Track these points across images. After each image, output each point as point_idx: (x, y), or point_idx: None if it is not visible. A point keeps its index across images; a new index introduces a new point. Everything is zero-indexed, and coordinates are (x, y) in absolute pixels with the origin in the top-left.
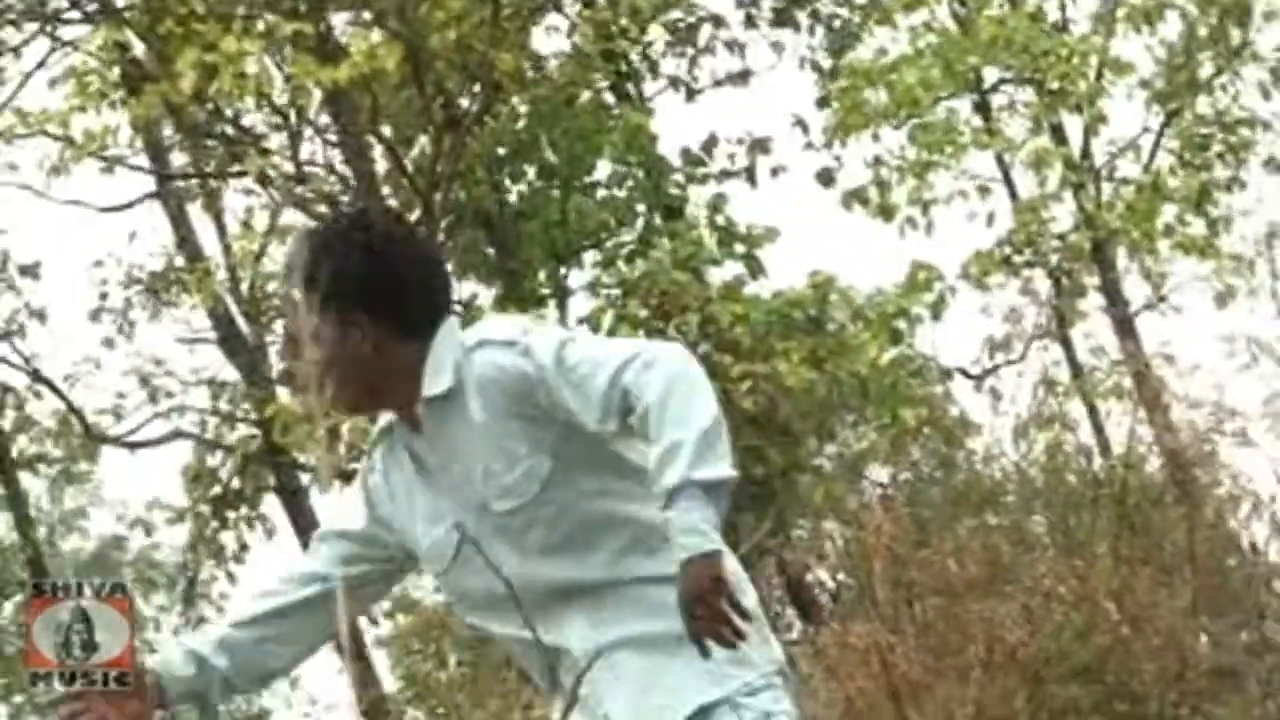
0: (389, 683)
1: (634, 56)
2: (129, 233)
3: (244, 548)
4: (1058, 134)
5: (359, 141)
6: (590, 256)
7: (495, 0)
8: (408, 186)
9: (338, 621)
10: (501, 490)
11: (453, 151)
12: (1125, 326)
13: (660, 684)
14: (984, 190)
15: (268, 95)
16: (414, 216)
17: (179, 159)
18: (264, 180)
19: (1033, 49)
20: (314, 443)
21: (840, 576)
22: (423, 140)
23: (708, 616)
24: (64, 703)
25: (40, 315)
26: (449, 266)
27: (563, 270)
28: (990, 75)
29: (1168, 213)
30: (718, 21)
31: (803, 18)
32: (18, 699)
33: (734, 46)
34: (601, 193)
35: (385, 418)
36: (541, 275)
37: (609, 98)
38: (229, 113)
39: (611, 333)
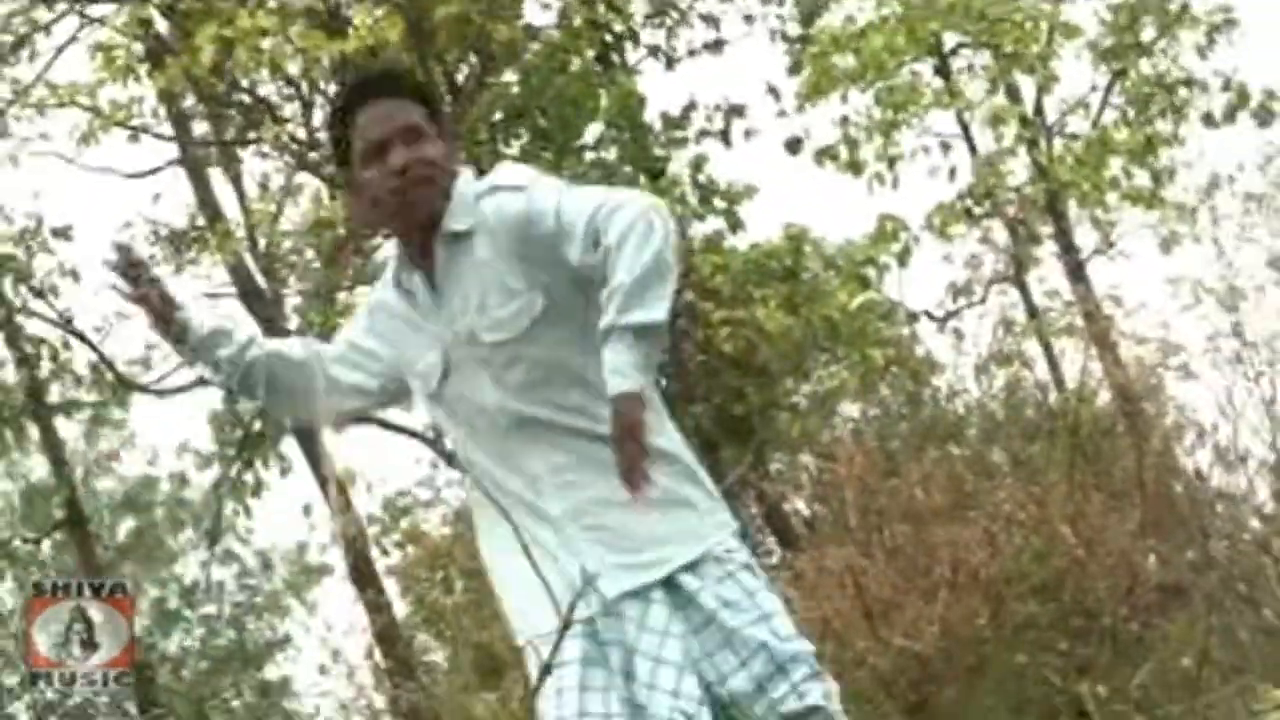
0: (400, 608)
1: (617, 27)
2: (153, 196)
3: (260, 485)
4: (1012, 94)
5: None
6: None
7: None
8: None
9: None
10: (494, 323)
11: (453, 117)
12: (1077, 271)
13: (647, 542)
14: (945, 147)
15: (281, 67)
16: None
17: (200, 127)
18: (279, 146)
19: (989, 15)
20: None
21: (815, 505)
22: None
23: (624, 455)
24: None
25: (73, 274)
26: None
27: None
28: (950, 40)
29: (1115, 165)
30: None
31: None
32: None
33: (709, 19)
34: (590, 155)
35: (390, 251)
36: None
37: (596, 66)
38: (245, 84)
39: None
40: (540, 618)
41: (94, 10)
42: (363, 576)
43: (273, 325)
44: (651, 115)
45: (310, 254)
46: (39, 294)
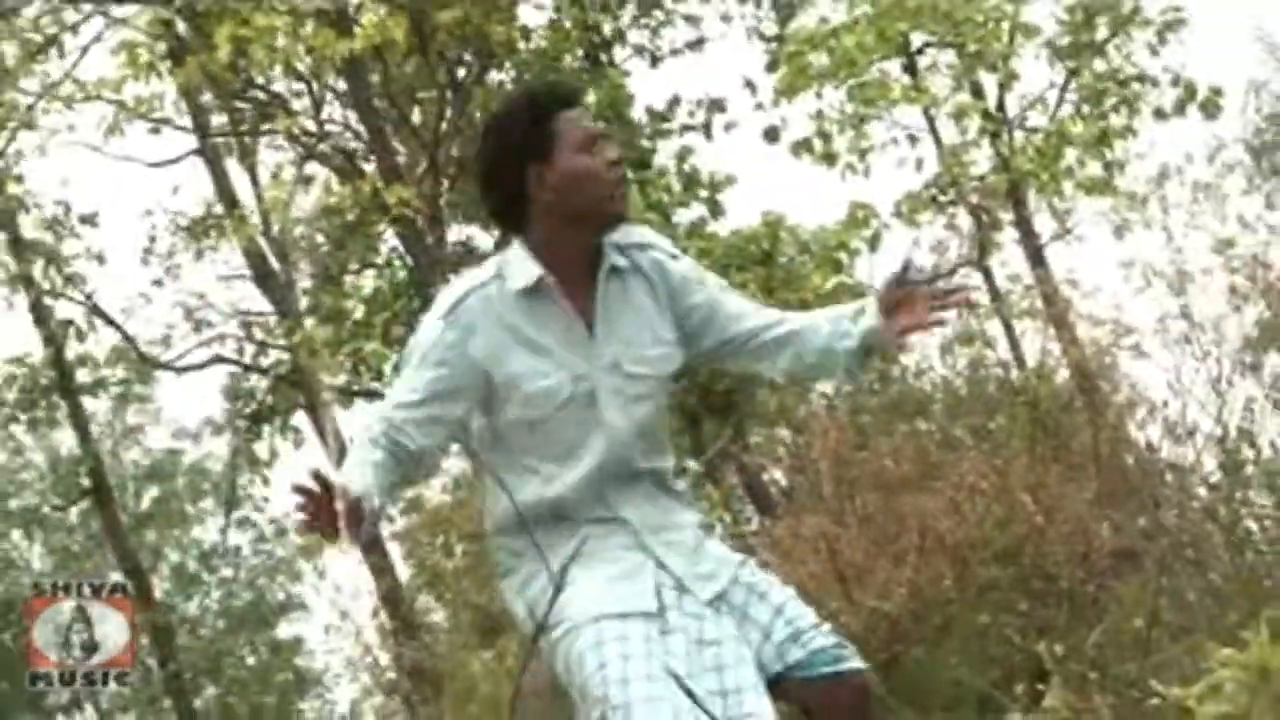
0: (403, 572)
1: (606, 29)
2: (174, 186)
3: (274, 455)
4: (976, 90)
5: (372, 103)
6: None
7: None
8: (414, 142)
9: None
10: (640, 358)
11: (454, 111)
12: (1036, 256)
13: (705, 556)
14: (913, 139)
15: (293, 64)
16: (419, 169)
17: (218, 120)
18: (291, 137)
19: (954, 16)
20: (334, 364)
21: (792, 476)
22: (425, 100)
23: None
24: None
25: (99, 258)
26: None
27: None
28: (917, 40)
29: (1071, 156)
30: None
31: None
32: None
33: (691, 19)
34: None
35: (528, 278)
36: None
37: (586, 64)
38: (260, 80)
39: None
40: (611, 601)
41: (118, 11)
42: (369, 542)
43: (284, 305)
44: (638, 110)
45: (320, 239)
46: (70, 281)
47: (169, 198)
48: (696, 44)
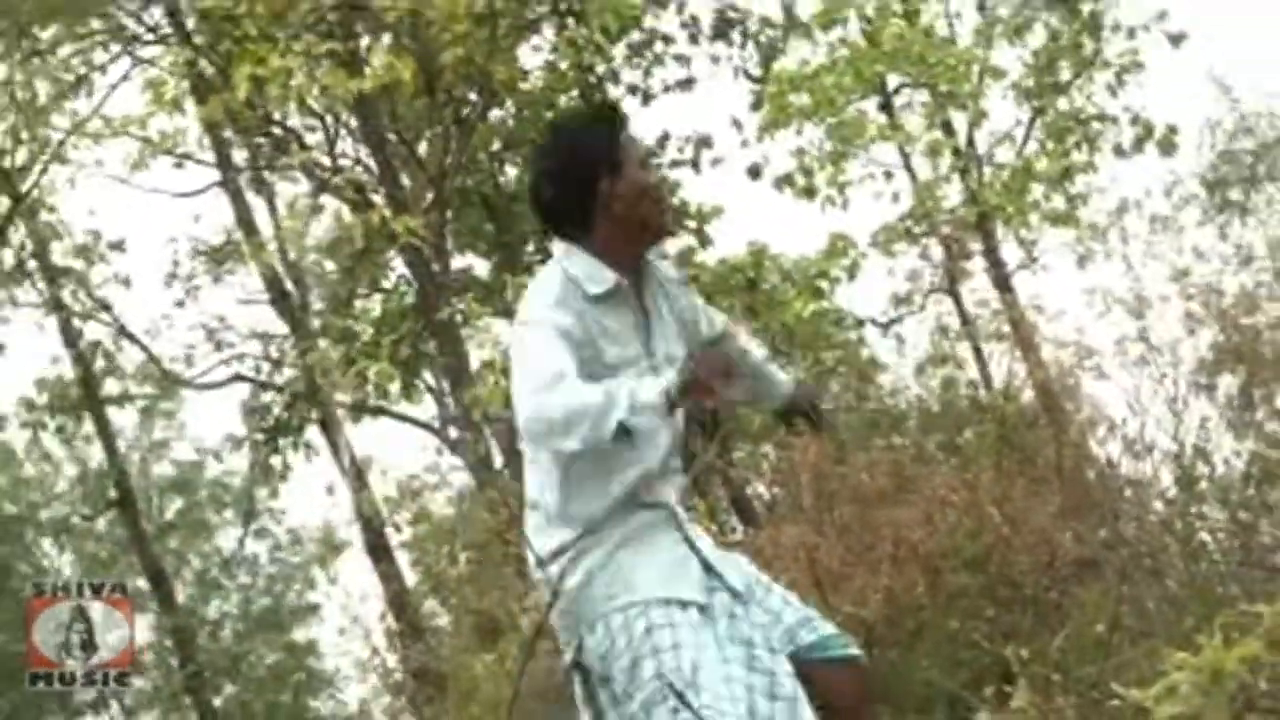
0: (410, 578)
1: (600, 69)
2: (196, 215)
3: (288, 468)
4: (947, 128)
5: (382, 139)
6: None
7: (493, 22)
8: (421, 175)
9: None
10: (678, 358)
11: (458, 146)
12: (1004, 283)
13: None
14: (889, 174)
15: (307, 102)
16: (426, 201)
17: (239, 154)
18: (306, 171)
19: (927, 59)
20: (345, 383)
21: (774, 489)
22: (431, 136)
23: None
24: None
25: (126, 282)
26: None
27: (548, 243)
28: (893, 81)
29: (1037, 191)
30: (666, 39)
31: (736, 35)
32: None
33: (680, 59)
34: None
35: (605, 283)
36: (531, 246)
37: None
38: (277, 116)
39: None
40: (675, 587)
41: (145, 52)
42: (378, 550)
43: (299, 327)
44: None
45: (331, 265)
46: (103, 306)
47: (192, 226)
48: (686, 83)
